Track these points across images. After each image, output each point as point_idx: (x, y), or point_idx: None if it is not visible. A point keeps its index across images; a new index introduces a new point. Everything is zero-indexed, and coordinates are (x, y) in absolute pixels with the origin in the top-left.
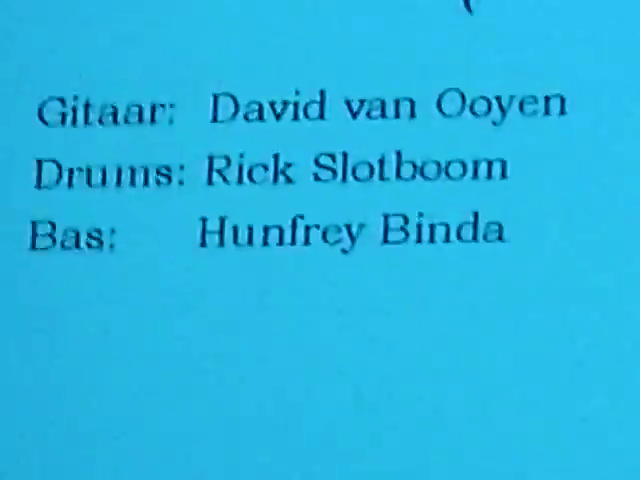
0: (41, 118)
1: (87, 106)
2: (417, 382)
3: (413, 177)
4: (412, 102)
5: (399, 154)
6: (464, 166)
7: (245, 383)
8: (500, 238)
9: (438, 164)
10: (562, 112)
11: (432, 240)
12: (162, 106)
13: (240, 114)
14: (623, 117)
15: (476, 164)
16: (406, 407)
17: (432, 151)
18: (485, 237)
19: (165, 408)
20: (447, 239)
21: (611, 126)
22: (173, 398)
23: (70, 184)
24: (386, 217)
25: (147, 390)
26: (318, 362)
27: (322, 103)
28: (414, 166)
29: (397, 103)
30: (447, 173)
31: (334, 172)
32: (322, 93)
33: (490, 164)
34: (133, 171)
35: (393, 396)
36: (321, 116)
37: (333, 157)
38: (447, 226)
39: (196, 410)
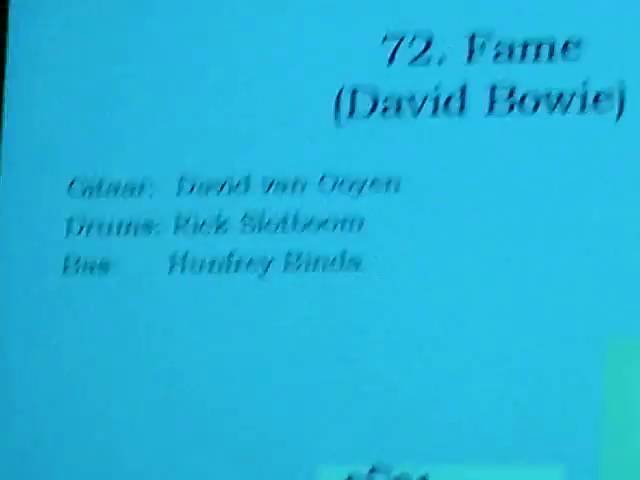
0: (70, 190)
1: (99, 182)
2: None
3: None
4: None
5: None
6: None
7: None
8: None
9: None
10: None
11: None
12: (143, 185)
13: (195, 190)
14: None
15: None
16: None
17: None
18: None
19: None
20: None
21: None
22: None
23: (88, 233)
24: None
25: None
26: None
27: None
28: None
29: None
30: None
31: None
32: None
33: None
34: (127, 225)
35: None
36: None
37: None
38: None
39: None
